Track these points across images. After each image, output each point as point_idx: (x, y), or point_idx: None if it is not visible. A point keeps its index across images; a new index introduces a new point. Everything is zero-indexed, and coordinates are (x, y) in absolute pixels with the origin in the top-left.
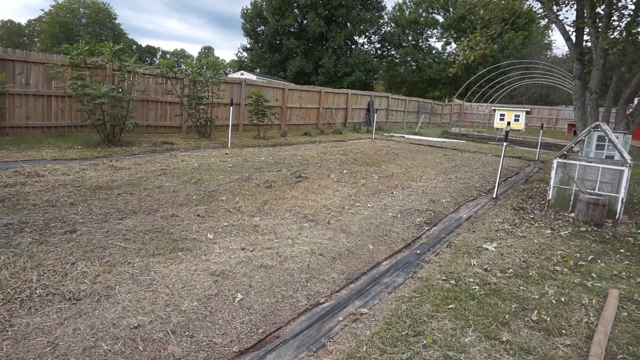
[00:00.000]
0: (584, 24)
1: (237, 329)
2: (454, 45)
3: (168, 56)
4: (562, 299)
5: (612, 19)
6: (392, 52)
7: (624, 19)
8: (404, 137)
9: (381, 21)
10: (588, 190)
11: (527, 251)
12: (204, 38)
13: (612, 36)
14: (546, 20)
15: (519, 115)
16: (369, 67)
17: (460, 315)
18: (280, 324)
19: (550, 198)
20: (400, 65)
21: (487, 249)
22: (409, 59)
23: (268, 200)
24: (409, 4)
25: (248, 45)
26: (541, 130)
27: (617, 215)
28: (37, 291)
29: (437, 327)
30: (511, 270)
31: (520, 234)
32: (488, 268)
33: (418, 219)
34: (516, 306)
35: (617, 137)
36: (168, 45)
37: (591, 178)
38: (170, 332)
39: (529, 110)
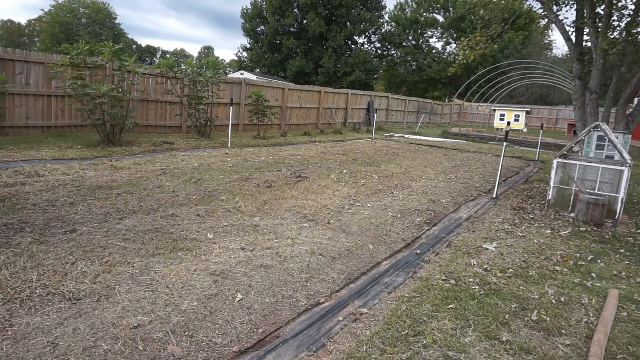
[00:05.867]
0: (584, 24)
1: (237, 328)
2: (454, 45)
3: (168, 56)
4: (562, 299)
5: (612, 19)
6: (392, 52)
7: (623, 19)
8: (403, 137)
9: (381, 21)
10: (588, 190)
11: (527, 251)
12: (203, 37)
13: (612, 36)
14: (546, 20)
15: (518, 115)
16: (369, 67)
17: (460, 315)
18: (280, 324)
19: (550, 198)
20: (400, 65)
21: (487, 248)
22: (409, 58)
23: (268, 200)
24: (410, 3)
25: (248, 45)
26: (541, 130)
27: (617, 215)
28: (37, 291)
29: (437, 327)
30: (511, 270)
31: (520, 234)
32: (488, 268)
33: (418, 219)
34: (516, 306)
35: (617, 137)
36: (167, 45)
37: (591, 178)
38: (170, 332)
39: (529, 110)
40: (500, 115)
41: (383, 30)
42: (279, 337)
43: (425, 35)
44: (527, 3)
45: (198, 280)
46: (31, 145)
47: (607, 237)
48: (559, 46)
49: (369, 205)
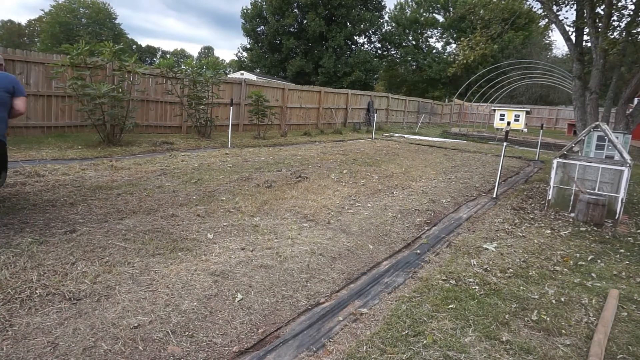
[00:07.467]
0: (584, 24)
1: (237, 328)
2: (454, 45)
3: (168, 56)
4: (562, 299)
5: (612, 19)
6: (392, 52)
7: (623, 19)
8: (404, 137)
9: (381, 21)
10: (588, 190)
11: (527, 251)
12: (203, 37)
13: (612, 36)
14: (546, 20)
15: (519, 115)
16: (369, 67)
17: (460, 315)
18: (280, 324)
19: (550, 198)
20: (400, 65)
21: (487, 249)
22: (409, 58)
23: (268, 200)
24: (410, 3)
25: (248, 45)
26: (541, 130)
27: (617, 215)
28: (37, 291)
29: (437, 327)
30: (511, 270)
31: (520, 234)
32: (488, 268)
33: (418, 219)
34: (516, 306)
35: (617, 137)
36: (167, 45)
37: (591, 178)
38: (170, 332)
39: (529, 110)
40: (500, 115)
41: (383, 30)
42: (279, 337)
43: (425, 35)
44: (527, 3)
45: (198, 280)
46: (31, 145)
47: (607, 237)
48: (559, 46)
49: (369, 205)
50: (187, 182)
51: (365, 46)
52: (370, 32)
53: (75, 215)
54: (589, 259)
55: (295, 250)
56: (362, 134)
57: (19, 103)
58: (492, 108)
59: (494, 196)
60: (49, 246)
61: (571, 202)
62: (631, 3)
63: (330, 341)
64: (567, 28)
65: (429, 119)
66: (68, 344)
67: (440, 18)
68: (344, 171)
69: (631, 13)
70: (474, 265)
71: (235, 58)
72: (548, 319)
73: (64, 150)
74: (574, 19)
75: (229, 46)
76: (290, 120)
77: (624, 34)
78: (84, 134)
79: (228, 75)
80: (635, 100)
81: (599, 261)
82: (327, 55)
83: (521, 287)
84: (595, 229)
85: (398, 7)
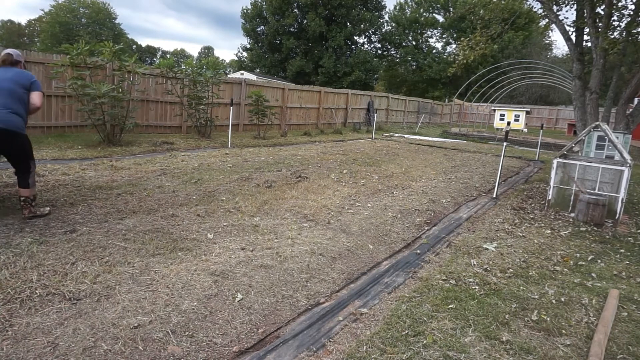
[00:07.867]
0: (584, 24)
1: (237, 328)
2: (454, 45)
3: (168, 56)
4: (562, 299)
5: (612, 19)
6: (392, 52)
7: (624, 19)
8: (404, 137)
9: (381, 21)
10: (588, 190)
11: (527, 251)
12: (203, 37)
13: (612, 36)
14: (546, 20)
15: (519, 115)
16: (369, 67)
17: (460, 315)
18: (280, 324)
19: (550, 198)
20: (400, 65)
21: (487, 249)
22: (409, 58)
23: (268, 200)
24: (410, 3)
25: (248, 45)
26: (541, 130)
27: (617, 215)
28: (37, 291)
29: (437, 327)
30: (511, 270)
31: (520, 234)
32: (488, 268)
33: (418, 219)
34: (516, 306)
35: (617, 137)
36: (167, 45)
37: (591, 178)
38: (170, 332)
39: (529, 110)
40: (500, 115)
41: (383, 30)
42: (279, 337)
43: (425, 35)
44: (527, 3)
45: (198, 280)
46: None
47: (608, 237)
48: (559, 46)
49: (369, 205)
50: (187, 182)
51: (365, 46)
52: (370, 32)
53: (75, 215)
54: (589, 259)
55: (295, 250)
56: (362, 134)
57: (35, 97)
58: (492, 108)
59: (494, 196)
60: (49, 246)
61: (571, 202)
62: (631, 3)
63: (330, 341)
64: (567, 28)
65: (429, 119)
66: (68, 344)
67: (440, 18)
68: (344, 171)
69: (631, 13)
70: (474, 265)
71: (235, 58)
72: (548, 319)
73: (63, 150)
74: (574, 19)
75: (229, 46)
76: (290, 120)
77: (624, 33)
78: (84, 134)
79: (228, 75)
80: (635, 100)
81: (599, 261)
82: (327, 55)
83: (521, 287)
84: (596, 229)
85: (398, 7)
